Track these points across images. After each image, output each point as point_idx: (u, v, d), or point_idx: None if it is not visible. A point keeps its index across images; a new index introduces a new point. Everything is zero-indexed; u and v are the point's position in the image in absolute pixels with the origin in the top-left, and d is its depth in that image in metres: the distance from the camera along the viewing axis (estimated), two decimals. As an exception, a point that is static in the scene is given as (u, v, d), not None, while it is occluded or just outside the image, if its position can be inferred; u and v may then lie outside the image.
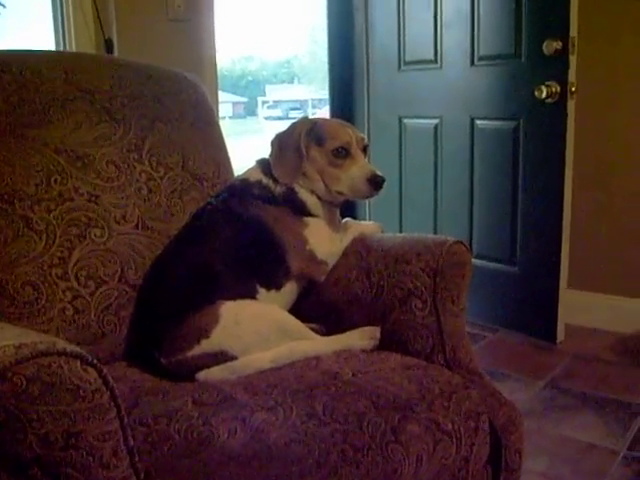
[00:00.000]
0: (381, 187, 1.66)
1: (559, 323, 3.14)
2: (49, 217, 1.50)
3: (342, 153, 1.67)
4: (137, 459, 1.01)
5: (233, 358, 1.43)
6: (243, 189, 1.69)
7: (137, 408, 1.23)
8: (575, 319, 3.30)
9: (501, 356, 3.07)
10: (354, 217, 1.98)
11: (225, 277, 1.54)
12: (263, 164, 1.73)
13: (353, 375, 1.38)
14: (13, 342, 0.91)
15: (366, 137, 1.76)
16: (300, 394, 1.28)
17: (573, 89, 2.87)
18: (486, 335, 3.31)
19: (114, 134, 1.67)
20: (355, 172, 1.66)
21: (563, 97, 2.89)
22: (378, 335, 1.58)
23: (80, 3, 2.67)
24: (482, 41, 3.20)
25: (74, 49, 2.67)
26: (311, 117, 1.78)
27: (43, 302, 1.45)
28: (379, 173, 1.66)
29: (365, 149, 1.73)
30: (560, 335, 3.16)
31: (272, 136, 1.75)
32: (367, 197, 1.72)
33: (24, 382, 0.88)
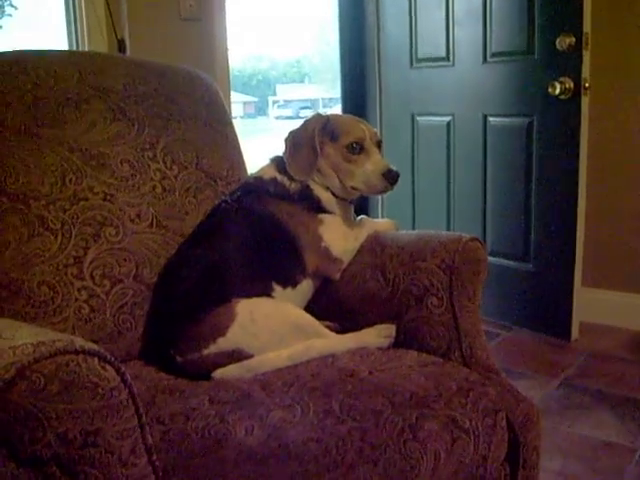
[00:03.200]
0: (396, 182, 1.65)
1: (574, 321, 3.12)
2: (64, 216, 1.50)
3: (356, 148, 1.67)
4: (155, 457, 1.01)
5: (249, 356, 1.43)
6: (257, 187, 1.69)
7: (154, 407, 1.23)
8: (589, 317, 3.28)
9: (515, 354, 3.05)
10: (367, 215, 1.97)
11: (240, 275, 1.54)
12: (277, 161, 1.72)
13: (370, 373, 1.38)
14: (31, 340, 0.91)
15: (379, 132, 1.75)
16: (317, 392, 1.28)
17: (587, 85, 2.85)
18: (500, 333, 3.29)
19: (128, 133, 1.67)
20: (370, 167, 1.66)
21: (577, 93, 2.87)
22: (394, 333, 1.58)
23: (93, 3, 2.68)
24: (494, 37, 3.18)
25: (87, 49, 2.68)
26: (323, 113, 1.78)
27: (59, 301, 1.45)
28: (394, 168, 1.65)
29: (379, 144, 1.72)
30: (575, 333, 3.14)
31: (285, 134, 1.75)
32: (382, 192, 1.71)
33: (42, 380, 0.88)
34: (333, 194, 1.71)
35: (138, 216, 1.62)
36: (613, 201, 3.29)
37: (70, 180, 1.54)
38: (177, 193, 1.71)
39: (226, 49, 3.11)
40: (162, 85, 1.80)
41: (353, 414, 1.22)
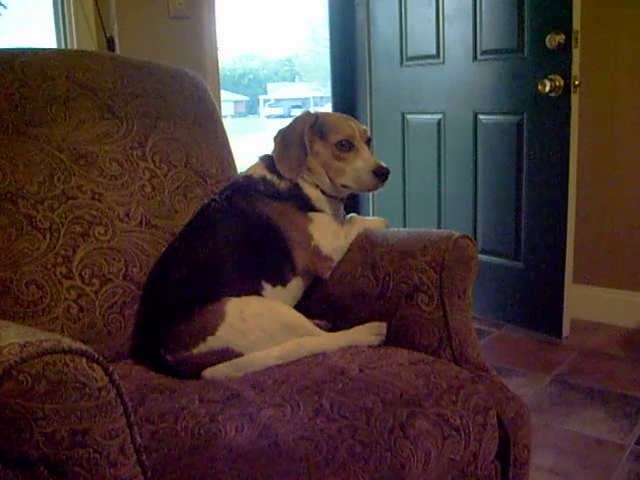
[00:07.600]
0: (386, 178, 1.65)
1: (565, 318, 3.13)
2: (53, 216, 1.49)
3: (346, 146, 1.67)
4: (144, 457, 1.00)
5: (239, 355, 1.42)
6: (247, 185, 1.68)
7: (143, 406, 1.22)
8: (580, 314, 3.30)
9: (506, 352, 3.06)
10: (358, 213, 1.97)
11: (230, 274, 1.53)
12: (266, 160, 1.72)
13: (360, 371, 1.38)
14: (18, 340, 0.90)
15: (369, 130, 1.75)
16: (307, 390, 1.28)
17: (576, 82, 2.86)
18: (491, 331, 3.30)
19: (117, 132, 1.66)
20: (360, 164, 1.66)
21: (566, 91, 2.88)
22: (384, 331, 1.58)
23: (81, 1, 2.66)
24: (484, 35, 3.19)
25: (76, 48, 2.66)
26: (313, 111, 1.77)
27: (48, 301, 1.44)
28: (384, 165, 1.65)
29: (368, 142, 1.72)
30: (566, 330, 3.15)
31: (275, 132, 1.74)
32: (372, 189, 1.70)
33: (30, 380, 0.87)
34: (323, 192, 1.70)
35: (127, 215, 1.61)
36: (603, 198, 3.29)
37: (58, 179, 1.53)
38: (166, 192, 1.70)
39: (216, 47, 3.11)
40: (151, 83, 1.79)
41: (344, 412, 1.22)
